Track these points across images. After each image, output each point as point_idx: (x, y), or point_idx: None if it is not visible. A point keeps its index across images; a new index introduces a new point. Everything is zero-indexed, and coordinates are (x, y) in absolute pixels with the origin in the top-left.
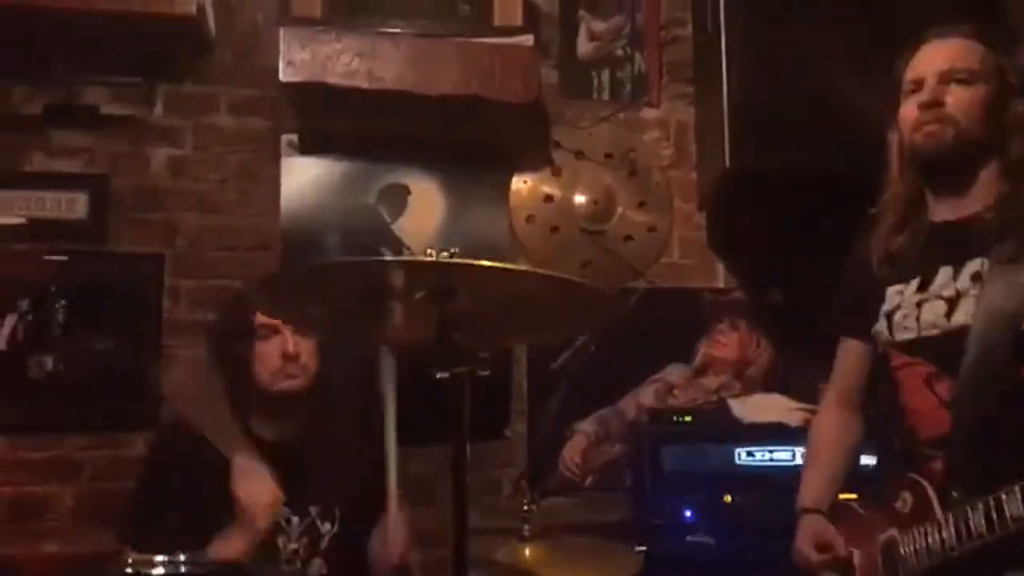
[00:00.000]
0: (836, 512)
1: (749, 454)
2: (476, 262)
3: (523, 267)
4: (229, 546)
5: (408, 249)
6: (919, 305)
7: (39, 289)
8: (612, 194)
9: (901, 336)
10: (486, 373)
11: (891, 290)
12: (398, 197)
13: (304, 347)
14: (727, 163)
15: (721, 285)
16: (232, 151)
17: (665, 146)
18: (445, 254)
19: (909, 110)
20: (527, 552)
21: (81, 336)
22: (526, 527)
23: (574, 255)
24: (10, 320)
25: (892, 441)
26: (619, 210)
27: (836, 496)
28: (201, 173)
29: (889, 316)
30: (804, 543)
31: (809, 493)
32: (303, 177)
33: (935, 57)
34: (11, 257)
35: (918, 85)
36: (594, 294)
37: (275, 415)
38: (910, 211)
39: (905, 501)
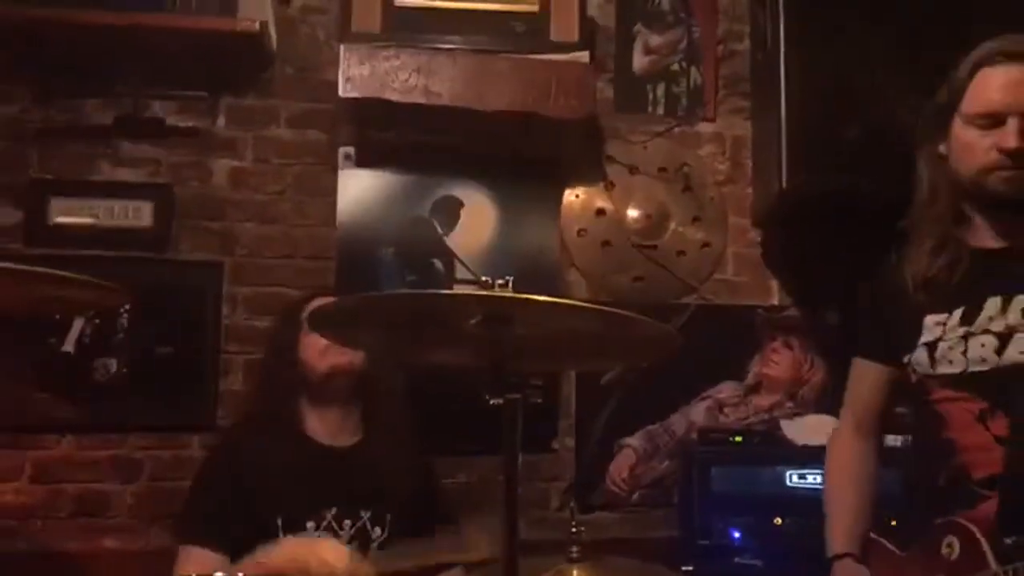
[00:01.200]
0: (870, 554)
1: (801, 476)
2: (532, 297)
3: (579, 302)
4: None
5: (460, 261)
6: (965, 338)
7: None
8: (665, 209)
9: (944, 369)
10: (538, 400)
11: (930, 320)
12: (451, 210)
13: None
14: (783, 182)
15: (775, 303)
16: (290, 163)
17: (720, 161)
18: (500, 282)
19: (976, 144)
20: (575, 575)
21: (143, 341)
22: (574, 549)
23: (626, 270)
24: (77, 324)
25: (933, 478)
26: (672, 225)
27: (867, 533)
28: (260, 184)
29: (930, 348)
30: None
31: (838, 537)
32: (359, 189)
33: (1017, 91)
34: (79, 262)
35: (991, 120)
36: (650, 329)
37: (326, 402)
38: (948, 234)
39: (952, 547)
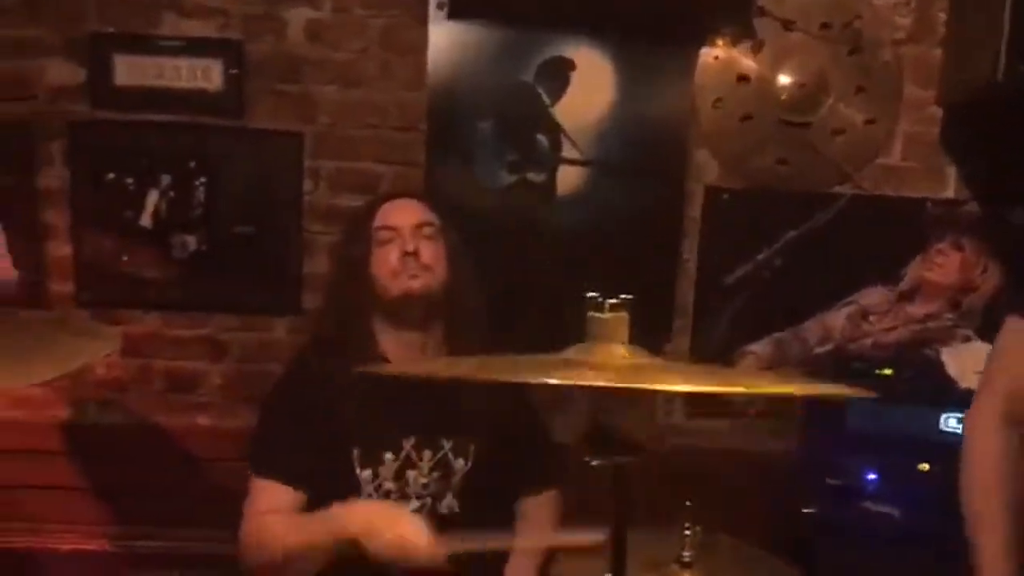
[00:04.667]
0: None
1: (960, 421)
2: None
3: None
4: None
5: (568, 137)
6: None
7: (178, 165)
8: (824, 76)
9: None
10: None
11: None
12: (560, 73)
13: (427, 247)
14: (1000, 72)
15: (951, 195)
16: (374, 14)
17: (903, 14)
18: (613, 301)
19: None
20: None
21: (221, 217)
22: (686, 553)
23: (768, 150)
24: (152, 196)
25: None
26: (830, 97)
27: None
28: (341, 40)
29: None
30: None
31: (992, 573)
32: (452, 47)
33: None
34: (146, 128)
35: None
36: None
37: (399, 325)
38: None
39: None
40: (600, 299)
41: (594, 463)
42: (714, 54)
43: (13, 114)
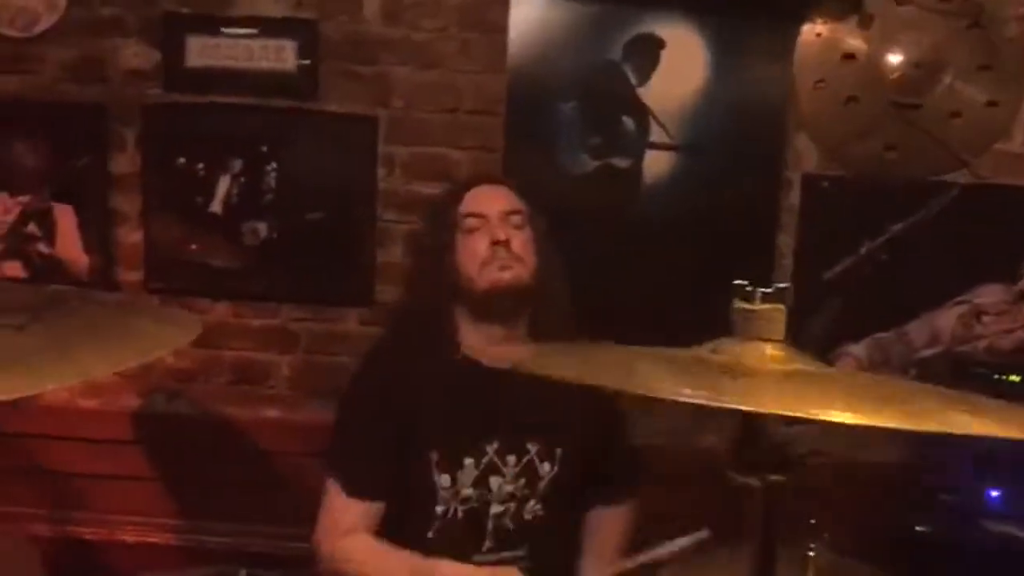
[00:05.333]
0: None
1: None
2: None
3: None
4: None
5: (656, 120)
6: None
7: (249, 149)
8: (941, 54)
9: None
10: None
11: None
12: (649, 52)
13: (516, 236)
14: None
15: None
16: None
17: None
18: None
19: None
20: None
21: (293, 203)
22: (812, 546)
23: (875, 135)
24: (224, 182)
25: None
26: (948, 77)
27: None
28: (418, 18)
29: None
30: None
31: None
32: (535, 24)
33: None
34: (219, 110)
35: None
36: None
37: (487, 317)
38: None
39: None
40: (750, 287)
41: (742, 481)
42: (816, 31)
43: (87, 96)
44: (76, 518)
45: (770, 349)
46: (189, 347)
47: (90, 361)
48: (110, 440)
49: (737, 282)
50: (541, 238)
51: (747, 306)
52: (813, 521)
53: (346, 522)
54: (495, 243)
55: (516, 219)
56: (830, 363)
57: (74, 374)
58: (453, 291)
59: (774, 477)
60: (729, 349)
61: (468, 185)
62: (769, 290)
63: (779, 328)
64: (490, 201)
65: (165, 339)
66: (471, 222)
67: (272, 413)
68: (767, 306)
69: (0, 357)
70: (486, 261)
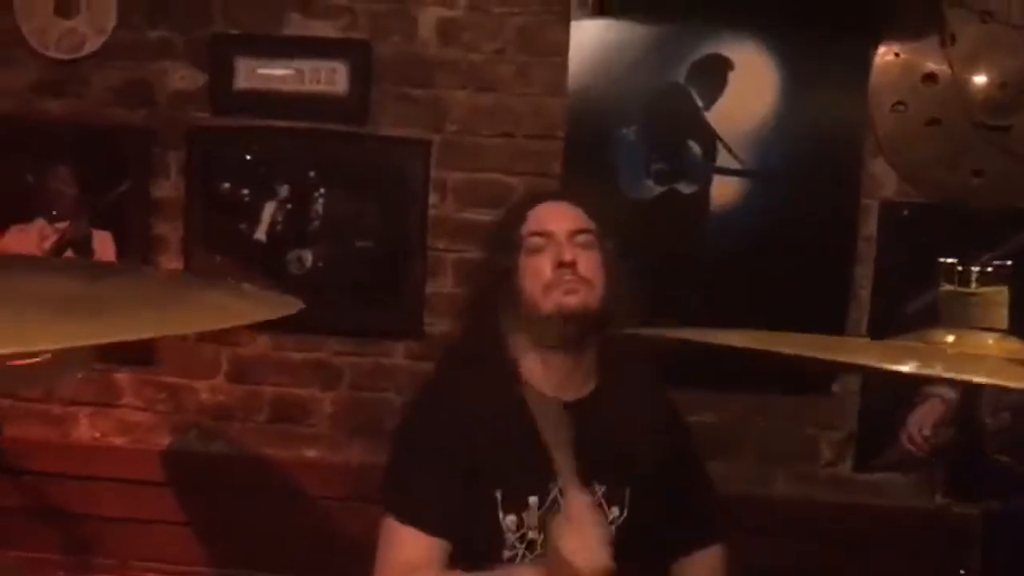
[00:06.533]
0: None
1: None
2: None
3: None
4: None
5: (724, 144)
6: None
7: (297, 174)
8: None
9: None
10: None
11: None
12: (716, 74)
13: (585, 258)
14: None
15: None
16: (513, 11)
17: None
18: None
19: None
20: None
21: (341, 231)
22: None
23: (960, 160)
24: (269, 208)
25: None
26: None
27: None
28: (476, 40)
29: None
30: None
31: None
32: (596, 46)
33: None
34: (266, 133)
35: None
36: None
37: (546, 347)
38: None
39: None
40: (962, 265)
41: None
42: (894, 51)
43: (133, 120)
44: (101, 564)
45: (990, 340)
46: (225, 382)
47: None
48: (140, 481)
49: (945, 260)
50: (610, 260)
51: (960, 289)
52: (963, 572)
53: (411, 558)
54: (561, 264)
55: (584, 238)
56: (915, 404)
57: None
58: (514, 317)
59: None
60: (940, 340)
61: (532, 202)
62: (989, 269)
63: (1000, 316)
64: (556, 219)
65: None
66: (535, 241)
67: (312, 453)
68: (986, 290)
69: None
70: (551, 284)
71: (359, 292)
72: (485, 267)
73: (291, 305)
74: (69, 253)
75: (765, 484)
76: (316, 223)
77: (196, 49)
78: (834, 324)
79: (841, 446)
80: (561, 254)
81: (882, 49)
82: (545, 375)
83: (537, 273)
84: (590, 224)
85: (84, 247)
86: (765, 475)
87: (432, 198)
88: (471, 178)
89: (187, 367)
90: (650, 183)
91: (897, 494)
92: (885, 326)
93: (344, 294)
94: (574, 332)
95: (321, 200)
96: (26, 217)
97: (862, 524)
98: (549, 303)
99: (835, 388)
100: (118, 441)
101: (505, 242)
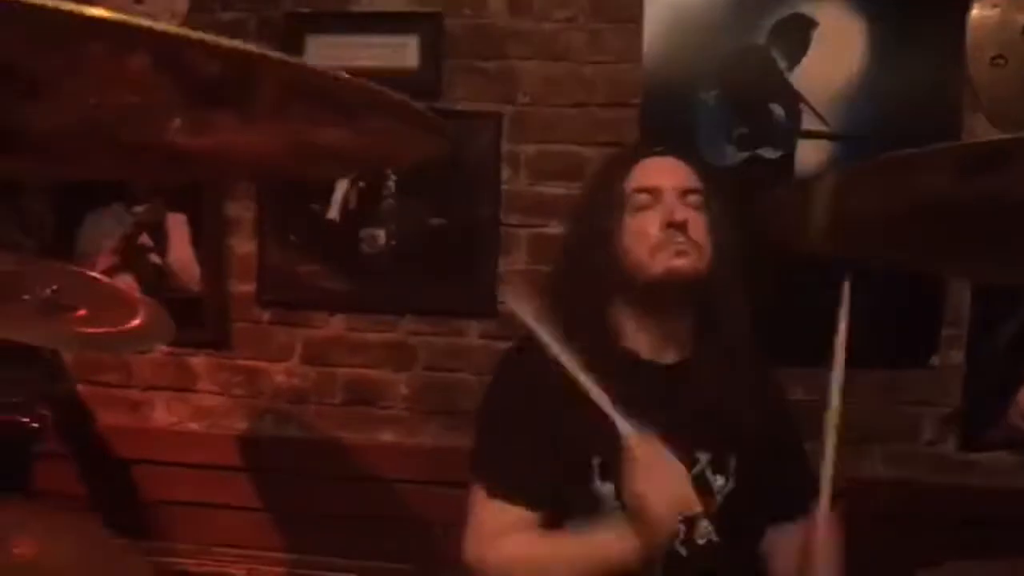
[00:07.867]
0: None
1: None
2: None
3: None
4: (621, 545)
5: (809, 106)
6: None
7: None
8: None
9: None
10: None
11: None
12: (799, 33)
13: (696, 219)
14: None
15: None
16: None
17: None
18: None
19: None
20: None
21: (413, 209)
22: None
23: None
24: (341, 187)
25: None
26: None
27: None
28: (546, 9)
29: None
30: None
31: None
32: (672, 10)
33: None
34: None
35: None
36: None
37: (648, 312)
38: None
39: None
40: None
41: None
42: (992, 2)
43: None
44: (179, 549)
45: None
46: (300, 364)
47: None
48: (215, 466)
49: None
50: (719, 225)
51: None
52: None
53: (499, 525)
54: (670, 224)
55: (694, 199)
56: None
57: None
58: (617, 279)
59: None
60: None
61: (638, 156)
62: None
63: None
64: (665, 175)
65: None
66: (642, 199)
67: (388, 436)
68: None
69: None
70: (659, 245)
71: (432, 270)
72: (586, 224)
73: None
74: (144, 238)
75: (860, 464)
76: (388, 201)
77: (268, 29)
78: (931, 300)
79: (945, 424)
80: (670, 213)
81: (977, 3)
82: (644, 338)
83: (643, 233)
84: (699, 184)
85: (159, 230)
86: (860, 454)
87: (504, 172)
88: (544, 150)
89: (262, 350)
90: (732, 149)
91: (1007, 475)
92: (987, 293)
93: (417, 273)
94: (677, 297)
95: (393, 178)
96: (103, 202)
97: (968, 507)
98: (657, 266)
99: (934, 361)
100: (194, 426)
101: (608, 199)
